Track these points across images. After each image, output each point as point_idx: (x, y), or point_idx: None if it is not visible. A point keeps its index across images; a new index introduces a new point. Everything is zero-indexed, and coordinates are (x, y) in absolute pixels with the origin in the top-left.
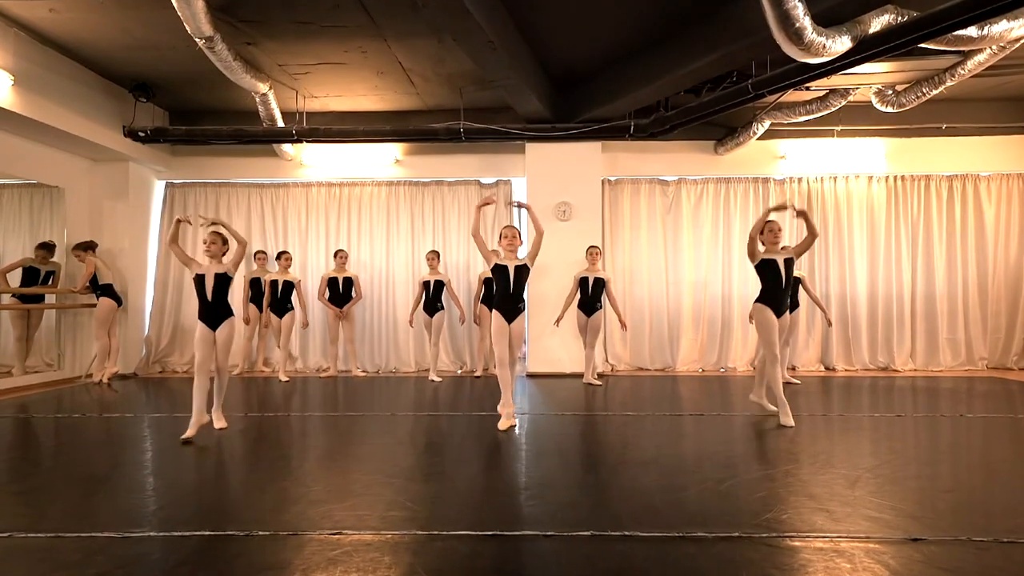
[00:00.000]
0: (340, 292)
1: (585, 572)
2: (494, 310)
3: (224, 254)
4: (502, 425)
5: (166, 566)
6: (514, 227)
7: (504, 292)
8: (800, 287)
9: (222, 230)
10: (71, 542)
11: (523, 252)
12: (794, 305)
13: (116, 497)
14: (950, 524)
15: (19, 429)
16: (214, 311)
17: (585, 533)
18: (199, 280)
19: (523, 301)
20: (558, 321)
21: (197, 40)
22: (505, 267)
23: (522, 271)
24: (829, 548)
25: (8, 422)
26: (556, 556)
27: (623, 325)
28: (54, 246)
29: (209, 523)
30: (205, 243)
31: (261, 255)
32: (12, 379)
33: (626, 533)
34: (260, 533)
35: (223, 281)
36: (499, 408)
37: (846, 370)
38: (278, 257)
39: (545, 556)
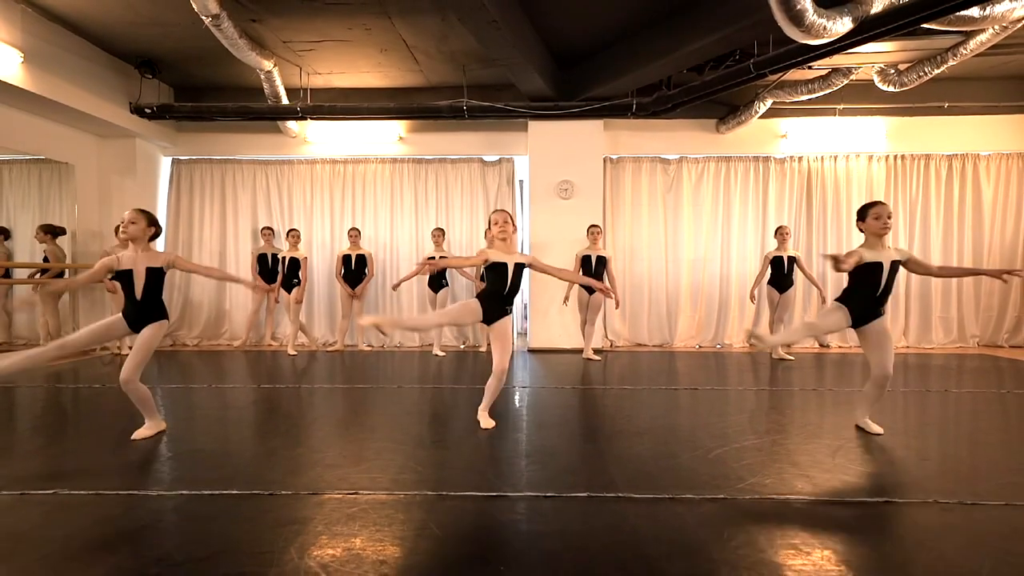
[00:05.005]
0: (352, 269)
1: (581, 528)
2: (476, 299)
3: (151, 237)
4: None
5: (200, 519)
6: (505, 211)
7: (496, 290)
8: (796, 266)
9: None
10: (110, 498)
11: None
12: (789, 284)
13: (144, 460)
14: (921, 489)
15: (45, 398)
16: (142, 310)
17: (582, 495)
18: (123, 277)
19: (512, 304)
20: (566, 300)
21: (204, 18)
22: (504, 265)
23: (522, 271)
24: (806, 509)
25: (33, 391)
26: (555, 514)
27: (616, 303)
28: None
29: (234, 484)
30: (122, 223)
31: (267, 231)
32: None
33: (620, 495)
34: (283, 492)
35: (156, 277)
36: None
37: (839, 347)
38: (287, 234)
39: (545, 514)
